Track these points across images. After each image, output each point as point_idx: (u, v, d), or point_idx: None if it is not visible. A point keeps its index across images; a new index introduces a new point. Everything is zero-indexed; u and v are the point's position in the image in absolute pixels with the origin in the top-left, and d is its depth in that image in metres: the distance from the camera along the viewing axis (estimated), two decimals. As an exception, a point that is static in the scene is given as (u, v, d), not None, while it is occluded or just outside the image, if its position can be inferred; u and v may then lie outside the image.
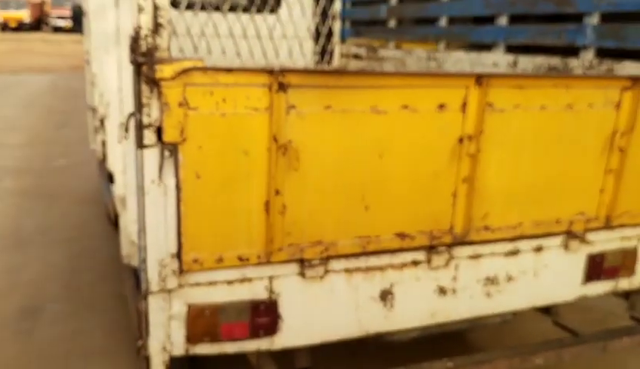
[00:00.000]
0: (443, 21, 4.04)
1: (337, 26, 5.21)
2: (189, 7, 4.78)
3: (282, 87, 1.89)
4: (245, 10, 4.95)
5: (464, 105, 2.13)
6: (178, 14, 4.75)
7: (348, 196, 2.08)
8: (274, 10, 5.05)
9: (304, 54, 5.24)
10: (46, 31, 45.44)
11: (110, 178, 3.99)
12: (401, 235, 2.20)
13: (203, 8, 4.83)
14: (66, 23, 43.25)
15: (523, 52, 3.34)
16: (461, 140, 2.16)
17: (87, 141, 7.20)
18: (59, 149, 8.71)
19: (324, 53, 5.25)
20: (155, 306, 1.95)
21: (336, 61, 5.27)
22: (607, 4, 2.86)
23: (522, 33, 3.40)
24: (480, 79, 2.12)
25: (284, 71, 1.89)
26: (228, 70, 1.86)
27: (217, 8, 4.87)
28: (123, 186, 2.99)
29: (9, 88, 15.00)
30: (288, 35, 5.12)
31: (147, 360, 2.01)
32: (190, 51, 4.82)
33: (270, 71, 1.88)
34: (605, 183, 2.47)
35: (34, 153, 8.55)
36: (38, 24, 47.75)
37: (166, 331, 1.98)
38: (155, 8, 1.74)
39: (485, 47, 3.64)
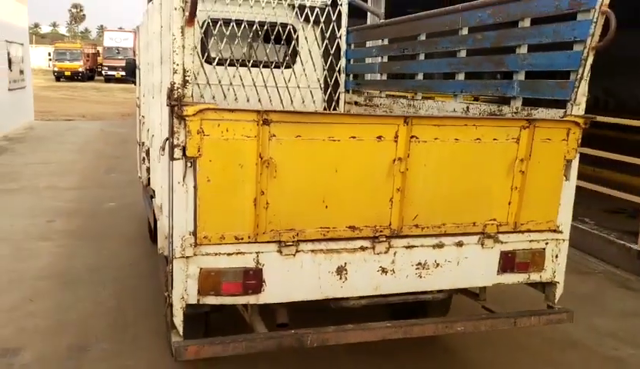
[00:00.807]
0: (420, 76, 4.97)
1: (342, 79, 6.20)
2: (220, 63, 5.85)
3: (266, 122, 2.84)
4: (266, 65, 5.99)
5: (396, 137, 3.03)
6: (211, 69, 5.81)
7: (312, 197, 2.99)
8: (290, 65, 6.08)
9: (314, 102, 6.22)
10: (98, 81, 48.16)
11: (151, 197, 4.99)
12: (352, 227, 3.08)
13: (231, 63, 5.88)
14: (116, 73, 44.62)
15: (475, 101, 4.24)
16: (394, 161, 3.05)
17: (134, 186, 7.91)
18: (108, 192, 9.11)
19: (331, 101, 6.23)
20: (177, 267, 2.87)
21: (341, 108, 6.24)
22: (527, 64, 3.74)
23: (472, 87, 4.31)
24: (407, 119, 3.03)
25: (267, 112, 2.84)
26: (230, 110, 2.83)
27: (243, 64, 5.92)
28: (160, 197, 3.96)
29: (63, 134, 16.00)
30: (302, 86, 6.13)
31: (171, 306, 2.92)
32: (220, 98, 5.85)
33: (258, 112, 2.83)
34: (511, 197, 3.31)
35: (84, 195, 8.96)
36: (92, 73, 50.23)
37: (184, 286, 2.88)
38: (184, 70, 2.73)
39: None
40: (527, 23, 3.73)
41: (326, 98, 6.18)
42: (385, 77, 5.66)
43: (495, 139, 3.21)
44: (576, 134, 3.31)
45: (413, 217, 3.16)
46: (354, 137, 2.98)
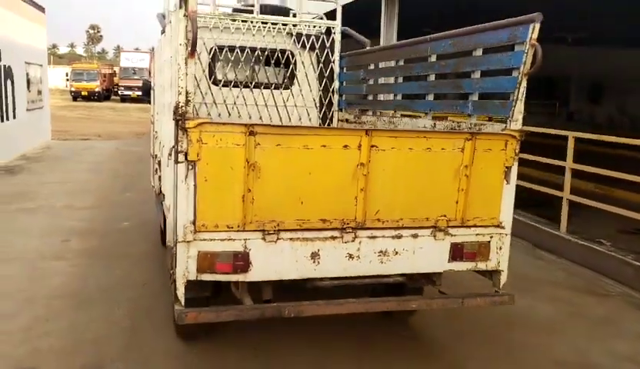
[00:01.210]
0: (398, 97, 5.73)
1: (335, 99, 6.97)
2: (226, 85, 6.65)
3: (252, 133, 3.60)
4: (267, 87, 6.79)
5: (359, 146, 3.78)
6: (218, 90, 6.62)
7: (290, 195, 3.74)
8: (288, 87, 6.87)
9: (310, 120, 7.00)
10: (114, 100, 49.24)
11: (161, 203, 5.77)
12: (324, 220, 3.82)
13: (236, 85, 6.69)
14: (132, 93, 45.96)
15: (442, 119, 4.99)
16: (358, 166, 3.79)
17: (148, 205, 8.44)
18: (123, 212, 9.30)
19: (325, 118, 7.00)
20: (180, 250, 3.62)
21: (335, 124, 7.00)
22: (479, 87, 4.49)
23: (439, 106, 5.06)
24: (368, 132, 3.78)
25: (253, 125, 3.61)
26: (223, 123, 3.60)
27: (246, 86, 6.73)
28: (168, 199, 4.74)
29: (80, 154, 16.45)
30: (299, 105, 6.90)
31: (174, 281, 3.67)
32: (225, 116, 6.64)
33: (245, 125, 3.60)
34: (458, 197, 4.02)
35: (99, 215, 9.19)
36: (108, 93, 51.35)
37: (186, 265, 3.63)
38: (187, 92, 3.52)
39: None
40: (479, 52, 4.48)
41: (321, 116, 6.95)
42: (370, 97, 6.44)
43: (443, 148, 3.94)
44: (513, 145, 4.04)
45: (375, 212, 3.89)
46: (324, 146, 3.74)
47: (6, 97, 14.63)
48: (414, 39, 5.37)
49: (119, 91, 48.97)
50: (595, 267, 7.17)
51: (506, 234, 4.20)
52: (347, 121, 6.76)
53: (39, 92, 18.82)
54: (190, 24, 3.42)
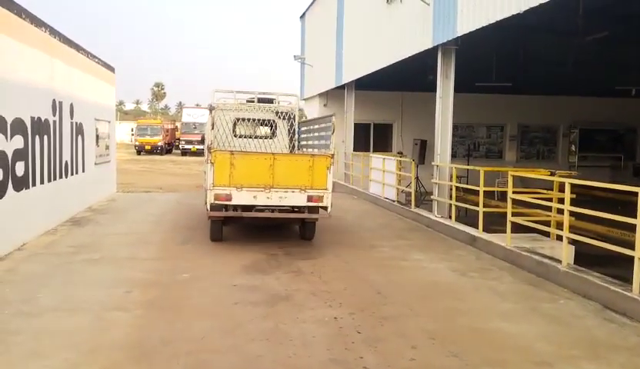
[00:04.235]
0: (316, 142, 15.01)
1: (296, 145, 16.21)
2: (240, 137, 16.07)
3: (232, 153, 13.00)
4: (261, 138, 16.16)
5: (270, 158, 13.07)
6: (236, 140, 16.09)
7: (246, 175, 12.99)
8: (272, 138, 16.22)
9: (283, 155, 16.35)
10: (175, 154, 57.70)
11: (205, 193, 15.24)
12: (258, 184, 13.06)
13: (245, 137, 16.10)
14: (192, 147, 54.37)
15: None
16: (270, 165, 13.04)
17: (208, 258, 11.68)
18: (183, 263, 10.89)
19: (290, 155, 16.30)
20: (208, 192, 12.94)
21: (295, 158, 16.30)
22: (325, 138, 13.70)
23: (323, 147, 14.32)
24: (273, 154, 13.12)
25: (232, 151, 13.04)
26: (222, 150, 13.11)
27: (250, 137, 16.11)
28: (205, 178, 14.18)
29: (142, 206, 19.27)
30: (277, 148, 16.23)
31: (206, 204, 13.08)
32: (240, 153, 16.15)
33: (230, 150, 13.04)
34: (309, 178, 13.15)
35: (161, 266, 10.55)
36: (170, 147, 59.65)
37: (210, 197, 12.93)
38: (211, 140, 13.01)
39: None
40: (329, 124, 13.74)
41: (287, 153, 16.26)
42: (311, 142, 15.78)
43: (302, 160, 13.15)
44: (330, 159, 13.14)
45: (277, 181, 13.07)
46: (258, 158, 13.07)
47: (77, 152, 16.90)
48: (317, 117, 14.69)
49: (180, 145, 57.95)
50: None
51: (330, 192, 13.25)
52: (299, 155, 16.08)
53: (107, 147, 21.69)
54: (212, 119, 12.90)
